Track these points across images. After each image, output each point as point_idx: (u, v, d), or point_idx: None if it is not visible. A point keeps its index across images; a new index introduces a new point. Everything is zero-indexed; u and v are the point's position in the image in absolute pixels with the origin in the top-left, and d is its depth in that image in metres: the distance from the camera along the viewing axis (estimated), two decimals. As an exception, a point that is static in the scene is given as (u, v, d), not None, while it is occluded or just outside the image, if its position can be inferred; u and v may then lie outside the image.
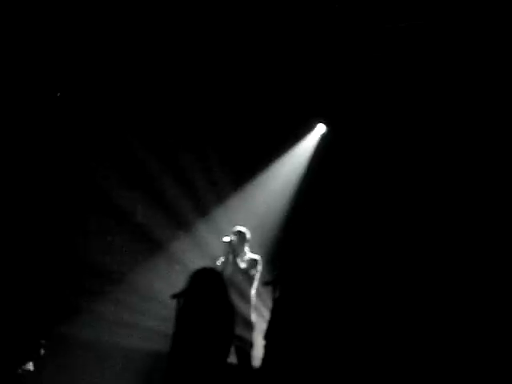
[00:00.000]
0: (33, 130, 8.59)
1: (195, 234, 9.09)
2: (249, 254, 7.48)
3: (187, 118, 9.28)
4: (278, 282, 6.05)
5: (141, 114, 9.09)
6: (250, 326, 7.19)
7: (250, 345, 7.16)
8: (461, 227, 8.18)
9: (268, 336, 5.96)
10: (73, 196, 9.00)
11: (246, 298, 7.21)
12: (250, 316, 7.22)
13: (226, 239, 7.39)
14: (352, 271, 8.49)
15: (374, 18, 7.54)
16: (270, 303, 6.25)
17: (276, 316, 5.97)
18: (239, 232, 7.51)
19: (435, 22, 7.41)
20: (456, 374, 7.48)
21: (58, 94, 8.55)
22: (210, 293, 5.07)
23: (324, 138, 9.41)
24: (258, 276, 7.34)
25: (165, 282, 8.49)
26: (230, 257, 7.32)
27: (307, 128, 9.44)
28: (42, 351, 7.61)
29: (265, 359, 5.88)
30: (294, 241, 9.01)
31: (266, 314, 7.32)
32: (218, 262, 7.42)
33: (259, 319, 7.46)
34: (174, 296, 5.25)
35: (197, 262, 7.05)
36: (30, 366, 7.39)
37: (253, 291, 7.32)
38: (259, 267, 7.37)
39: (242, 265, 7.33)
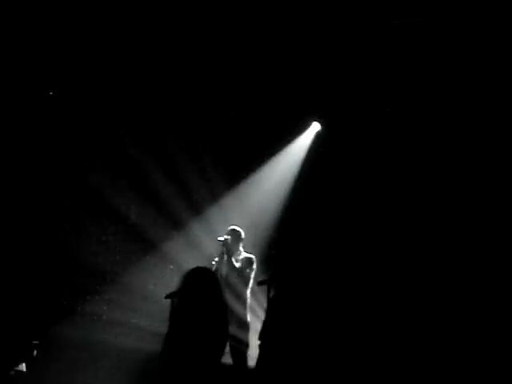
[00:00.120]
0: (25, 130, 8.55)
1: (189, 233, 9.06)
2: (243, 254, 7.46)
3: (181, 117, 9.24)
4: (273, 281, 6.03)
5: (134, 112, 9.04)
6: (244, 325, 7.16)
7: (245, 345, 7.14)
8: (459, 227, 8.18)
9: (263, 336, 5.92)
10: (66, 196, 8.96)
11: (240, 297, 7.20)
12: (245, 316, 7.20)
13: (221, 238, 7.36)
14: (347, 270, 8.48)
15: (371, 15, 7.50)
16: (264, 303, 6.23)
17: (271, 316, 5.95)
18: (233, 231, 7.49)
19: (433, 19, 7.38)
20: (456, 373, 7.48)
21: (51, 93, 8.49)
22: (204, 292, 5.02)
23: (319, 137, 9.36)
24: (252, 275, 7.31)
25: (159, 281, 8.48)
26: (225, 256, 7.30)
27: (302, 126, 9.41)
28: (35, 352, 7.55)
29: (260, 359, 5.85)
30: (288, 240, 8.97)
31: (261, 314, 7.29)
32: (213, 262, 7.39)
33: (254, 319, 7.45)
34: (168, 296, 5.21)
35: (191, 262, 7.02)
36: (23, 367, 7.34)
37: (248, 291, 7.29)
38: (254, 266, 7.34)
39: (237, 264, 7.30)
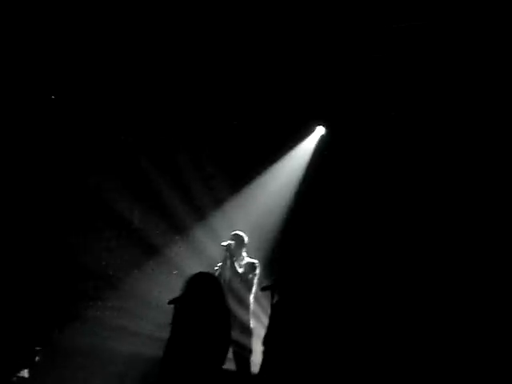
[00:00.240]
0: (29, 134, 8.55)
1: (193, 238, 9.03)
2: (246, 259, 7.42)
3: (185, 122, 9.22)
4: (277, 286, 5.99)
5: (138, 117, 9.03)
6: (247, 331, 7.12)
7: (248, 350, 7.10)
8: (460, 228, 8.15)
9: (267, 342, 5.88)
10: (70, 201, 8.94)
11: (244, 303, 7.16)
12: (247, 321, 7.16)
13: (224, 244, 7.33)
14: (352, 275, 8.43)
15: (374, 19, 7.48)
16: (268, 308, 6.19)
17: (275, 321, 5.91)
18: (237, 236, 7.46)
19: (435, 23, 7.35)
20: (456, 373, 7.43)
21: (53, 97, 8.49)
22: (207, 298, 5.00)
23: (323, 141, 9.33)
24: (255, 281, 7.27)
25: (163, 287, 8.44)
26: (228, 261, 7.26)
27: (306, 130, 9.38)
28: (37, 358, 7.53)
29: (263, 365, 5.80)
30: (292, 245, 8.93)
31: (265, 320, 7.24)
32: (216, 267, 7.36)
33: (257, 325, 7.40)
34: (172, 301, 5.17)
35: (195, 267, 6.98)
36: (25, 373, 7.32)
37: (251, 296, 7.25)
38: (257, 272, 7.31)
39: (240, 269, 7.27)
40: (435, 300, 8.00)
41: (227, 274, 7.23)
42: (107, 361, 8.21)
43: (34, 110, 8.54)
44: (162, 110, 9.08)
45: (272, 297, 5.90)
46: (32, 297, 8.20)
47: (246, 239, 7.48)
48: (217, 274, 7.17)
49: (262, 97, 8.90)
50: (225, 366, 5.07)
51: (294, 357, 5.74)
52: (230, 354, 6.44)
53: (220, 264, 7.37)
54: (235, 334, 6.02)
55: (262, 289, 6.23)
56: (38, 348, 7.63)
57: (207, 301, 4.98)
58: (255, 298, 7.33)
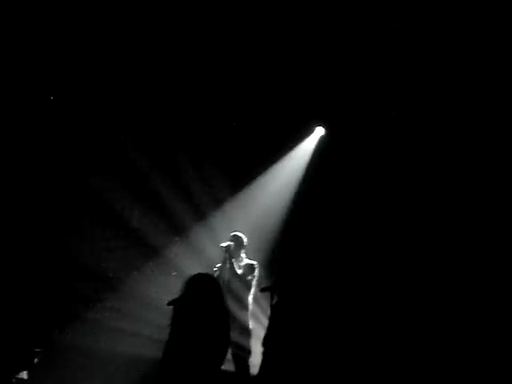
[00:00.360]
0: (29, 136, 8.54)
1: (192, 239, 9.00)
2: (245, 260, 7.41)
3: (185, 123, 9.21)
4: (276, 287, 5.97)
5: (136, 117, 9.00)
6: (246, 332, 7.11)
7: (246, 351, 7.09)
8: (460, 229, 8.15)
9: (266, 342, 5.87)
10: (69, 202, 8.93)
11: (243, 304, 7.15)
12: (246, 322, 7.15)
13: (223, 245, 7.31)
14: (352, 276, 8.41)
15: (374, 20, 7.48)
16: (267, 309, 6.17)
17: (274, 322, 5.89)
18: (236, 237, 7.46)
19: (436, 24, 7.35)
20: (456, 373, 7.42)
21: (51, 98, 8.48)
22: (206, 299, 5.00)
23: (322, 141, 9.31)
24: (254, 282, 7.27)
25: (162, 288, 8.42)
26: (227, 262, 7.24)
27: (306, 131, 9.37)
28: (36, 360, 7.51)
29: (263, 366, 5.79)
30: (292, 246, 8.91)
31: (264, 321, 7.23)
32: (214, 268, 7.36)
33: (257, 325, 7.39)
34: (171, 303, 5.17)
35: (193, 268, 6.97)
36: (24, 374, 7.30)
37: (250, 297, 7.24)
38: (256, 273, 7.30)
39: (239, 270, 7.26)
40: (435, 300, 7.98)
41: (226, 275, 7.22)
42: (107, 361, 8.20)
43: (33, 110, 8.53)
44: (162, 110, 9.06)
45: (271, 298, 5.89)
46: (32, 298, 8.18)
47: (245, 240, 7.47)
48: (216, 275, 7.18)
49: (262, 97, 8.89)
50: (224, 367, 5.07)
51: (293, 357, 5.73)
52: (229, 355, 6.45)
53: (219, 265, 7.36)
54: (234, 335, 5.99)
55: (262, 290, 6.22)
56: (37, 350, 7.61)
57: (206, 302, 4.98)
58: (255, 298, 7.33)
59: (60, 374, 7.92)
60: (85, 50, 8.00)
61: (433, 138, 8.44)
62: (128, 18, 7.70)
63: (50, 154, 8.71)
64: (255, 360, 6.72)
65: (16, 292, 8.02)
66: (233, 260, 7.26)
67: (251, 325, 7.20)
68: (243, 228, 7.82)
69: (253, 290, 7.24)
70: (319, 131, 9.34)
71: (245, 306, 7.15)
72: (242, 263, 7.35)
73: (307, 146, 9.38)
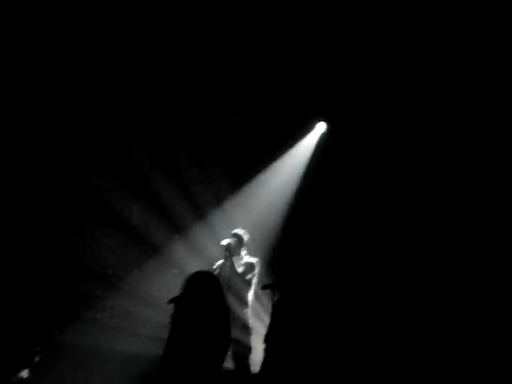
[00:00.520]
0: (28, 133, 8.53)
1: (192, 237, 8.98)
2: (246, 258, 7.40)
3: (185, 120, 9.18)
4: (278, 285, 5.95)
5: (136, 113, 8.99)
6: (247, 329, 7.11)
7: (247, 349, 7.09)
8: (460, 228, 8.13)
9: (268, 339, 5.85)
10: (69, 200, 8.92)
11: (243, 301, 7.13)
12: (247, 320, 7.14)
13: (224, 243, 7.28)
14: (353, 274, 8.40)
15: (375, 15, 7.45)
16: (269, 307, 6.15)
17: (276, 320, 5.88)
18: (236, 235, 7.44)
19: (436, 19, 7.32)
20: (456, 373, 7.39)
21: (51, 95, 8.46)
22: (206, 296, 5.01)
23: (324, 137, 9.28)
24: (255, 280, 7.26)
25: (163, 286, 8.41)
26: (228, 260, 7.21)
27: (307, 127, 9.32)
28: (37, 358, 7.50)
29: (265, 363, 5.77)
30: (293, 243, 8.89)
31: (265, 318, 7.22)
32: (214, 266, 7.34)
33: (258, 323, 7.37)
34: (171, 301, 5.15)
35: (194, 266, 6.95)
36: (25, 373, 7.29)
37: (250, 294, 7.22)
38: (256, 271, 7.29)
39: (239, 268, 7.24)
40: (435, 299, 7.97)
41: (227, 272, 7.20)
42: (107, 360, 8.19)
43: (33, 109, 8.52)
44: (162, 108, 9.04)
45: (273, 295, 5.89)
46: (32, 297, 8.17)
47: (245, 238, 7.46)
48: (216, 272, 7.16)
49: (263, 94, 8.86)
50: (224, 365, 5.07)
51: (295, 355, 5.71)
52: (229, 353, 6.42)
53: (219, 262, 7.34)
54: (235, 333, 5.96)
55: (263, 287, 6.20)
56: (37, 348, 7.60)
57: (207, 299, 5.00)
58: (256, 296, 7.32)
59: (60, 373, 7.92)
60: (85, 49, 7.98)
61: (434, 134, 8.42)
62: (128, 17, 7.68)
63: (50, 154, 8.70)
64: (256, 357, 6.70)
65: (16, 291, 8.01)
66: (233, 258, 7.23)
67: (251, 322, 7.19)
68: (244, 225, 7.80)
69: (253, 288, 7.23)
70: (321, 127, 9.30)
71: (245, 304, 7.14)
72: (243, 261, 7.33)
73: (309, 142, 9.33)
